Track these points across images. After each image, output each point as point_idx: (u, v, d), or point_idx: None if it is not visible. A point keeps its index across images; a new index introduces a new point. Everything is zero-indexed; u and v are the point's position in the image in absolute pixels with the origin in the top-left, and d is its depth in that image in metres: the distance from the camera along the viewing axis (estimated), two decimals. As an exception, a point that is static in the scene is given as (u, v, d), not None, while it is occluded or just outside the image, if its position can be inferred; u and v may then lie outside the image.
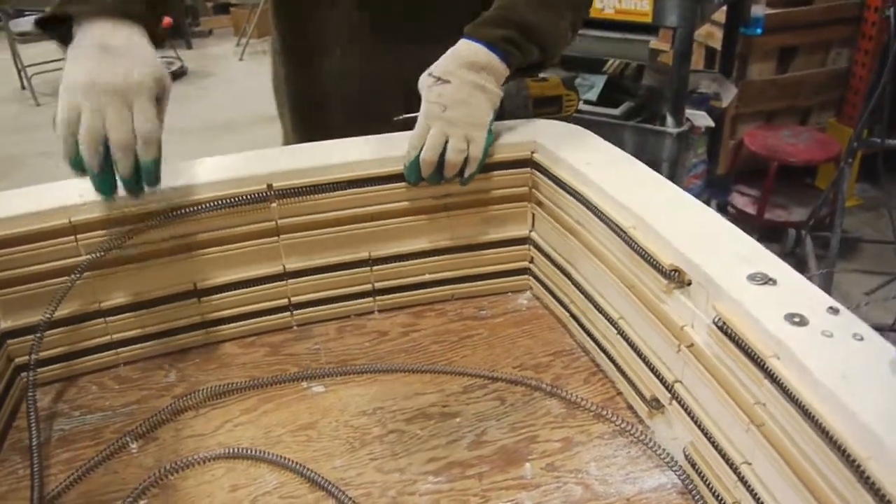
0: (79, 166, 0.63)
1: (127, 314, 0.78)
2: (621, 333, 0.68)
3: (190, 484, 0.65)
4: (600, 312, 0.72)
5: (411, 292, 0.86)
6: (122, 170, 0.64)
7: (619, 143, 0.79)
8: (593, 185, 0.70)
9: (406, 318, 0.85)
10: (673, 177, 1.99)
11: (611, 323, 0.70)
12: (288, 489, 0.64)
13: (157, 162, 0.65)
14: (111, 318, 0.77)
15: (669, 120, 1.88)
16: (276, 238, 0.79)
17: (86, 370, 0.79)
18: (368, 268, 0.83)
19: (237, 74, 4.93)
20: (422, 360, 0.78)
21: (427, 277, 0.86)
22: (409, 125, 0.78)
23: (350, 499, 0.61)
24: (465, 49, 0.76)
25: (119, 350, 0.79)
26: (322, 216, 0.79)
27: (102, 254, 0.71)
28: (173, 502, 0.63)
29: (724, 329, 0.51)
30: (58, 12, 0.65)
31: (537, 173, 0.80)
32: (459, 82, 0.74)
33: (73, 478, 0.65)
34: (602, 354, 0.74)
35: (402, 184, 0.79)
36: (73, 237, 0.71)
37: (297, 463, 0.65)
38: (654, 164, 2.10)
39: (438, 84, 0.74)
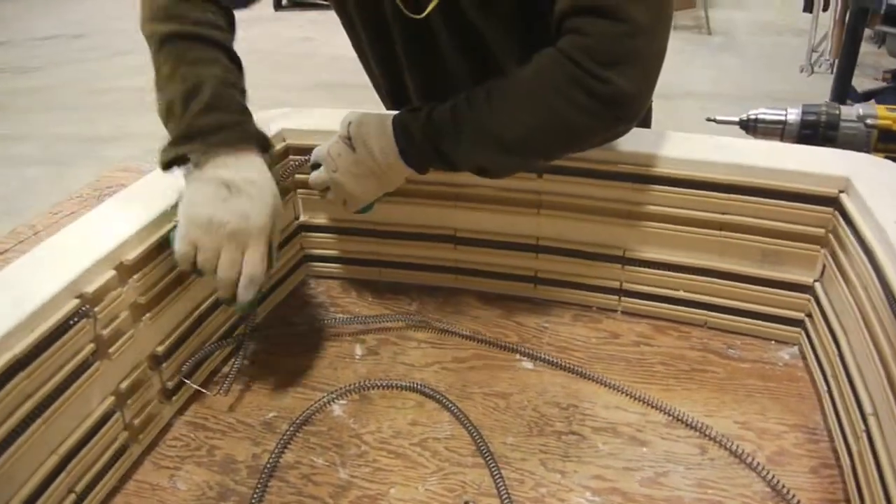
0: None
1: (396, 240, 0.87)
2: (867, 433, 0.56)
3: (383, 403, 0.71)
4: (855, 399, 0.59)
5: (660, 304, 0.80)
6: (222, 296, 0.64)
7: None
8: (889, 246, 0.56)
9: (645, 329, 0.80)
10: None
11: (861, 416, 0.57)
12: (454, 444, 0.66)
13: (252, 304, 0.66)
14: (381, 238, 0.87)
15: None
16: (536, 210, 0.80)
17: (354, 276, 0.90)
18: (619, 265, 0.80)
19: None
20: (639, 375, 0.73)
21: (681, 294, 0.79)
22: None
23: (502, 478, 0.61)
24: (381, 139, 0.71)
25: (382, 269, 0.89)
26: (580, 201, 0.77)
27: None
28: (364, 411, 0.70)
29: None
30: (179, 154, 0.63)
31: (840, 218, 0.67)
32: (360, 160, 0.72)
33: (301, 360, 0.77)
34: (844, 448, 0.61)
35: (670, 187, 0.73)
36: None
37: (473, 426, 0.67)
38: None
39: (346, 142, 0.73)
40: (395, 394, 0.73)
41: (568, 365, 0.74)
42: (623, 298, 0.82)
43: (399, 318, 0.83)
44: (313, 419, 0.70)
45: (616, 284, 0.81)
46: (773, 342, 0.77)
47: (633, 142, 0.75)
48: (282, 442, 0.66)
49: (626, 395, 0.71)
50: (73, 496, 0.57)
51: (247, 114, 0.68)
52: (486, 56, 0.78)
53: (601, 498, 0.60)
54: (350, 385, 0.73)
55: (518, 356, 0.77)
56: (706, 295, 0.78)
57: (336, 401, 0.72)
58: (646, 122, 0.96)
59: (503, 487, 0.60)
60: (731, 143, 0.75)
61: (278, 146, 0.82)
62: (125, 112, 3.73)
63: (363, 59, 0.91)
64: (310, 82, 4.10)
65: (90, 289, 0.57)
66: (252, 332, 0.79)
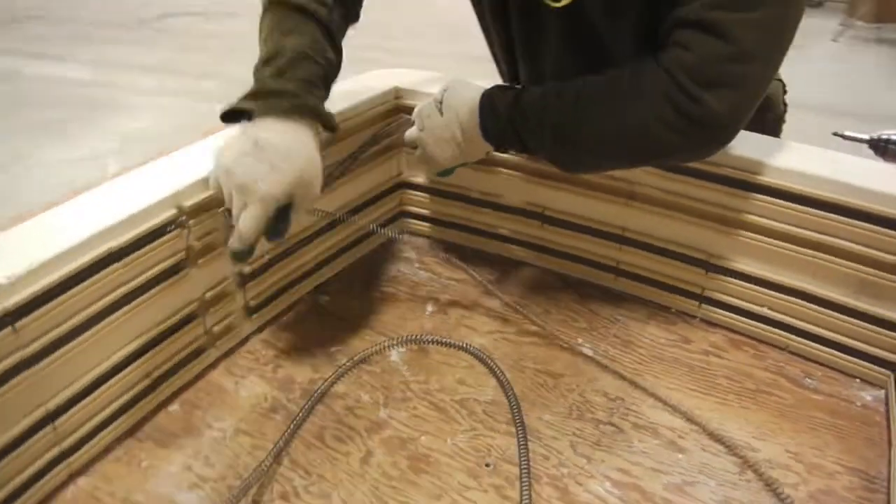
0: None
1: (486, 209, 0.89)
2: (916, 488, 0.51)
3: (437, 358, 0.75)
4: (916, 452, 0.55)
5: (740, 317, 0.77)
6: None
7: None
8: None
9: (720, 340, 0.77)
10: None
11: (916, 470, 0.53)
12: (493, 409, 0.68)
13: (237, 254, 0.63)
14: (472, 205, 0.89)
15: None
16: (626, 200, 0.79)
17: (442, 237, 0.94)
18: (703, 270, 0.77)
19: (821, 55, 4.50)
20: (699, 384, 0.71)
21: (765, 311, 0.75)
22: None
23: (527, 450, 0.63)
24: (466, 110, 0.73)
25: (470, 235, 0.92)
26: (673, 198, 0.75)
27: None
28: (418, 362, 0.74)
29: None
30: (236, 108, 0.65)
31: (948, 257, 0.61)
32: (446, 125, 0.74)
33: (375, 306, 0.81)
34: (897, 502, 0.56)
35: (770, 198, 0.69)
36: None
37: (515, 396, 0.69)
38: None
39: (438, 106, 0.75)
40: (452, 352, 0.75)
41: (627, 358, 0.74)
42: (703, 305, 0.79)
43: (476, 284, 0.85)
44: (371, 360, 0.74)
45: (697, 290, 0.79)
46: (857, 380, 0.72)
47: (740, 146, 0.72)
48: (337, 373, 0.72)
49: (678, 398, 0.69)
50: (147, 380, 0.66)
51: (312, 87, 0.67)
52: (599, 57, 0.77)
53: (620, 491, 0.60)
54: (412, 335, 0.77)
55: (581, 341, 0.77)
56: (791, 317, 0.74)
57: (395, 347, 0.76)
58: (774, 133, 0.91)
59: (525, 459, 0.62)
60: (846, 159, 0.70)
61: (390, 102, 0.86)
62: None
63: (488, 40, 0.92)
64: (465, 54, 4.14)
65: (188, 203, 0.64)
66: (336, 274, 0.84)
